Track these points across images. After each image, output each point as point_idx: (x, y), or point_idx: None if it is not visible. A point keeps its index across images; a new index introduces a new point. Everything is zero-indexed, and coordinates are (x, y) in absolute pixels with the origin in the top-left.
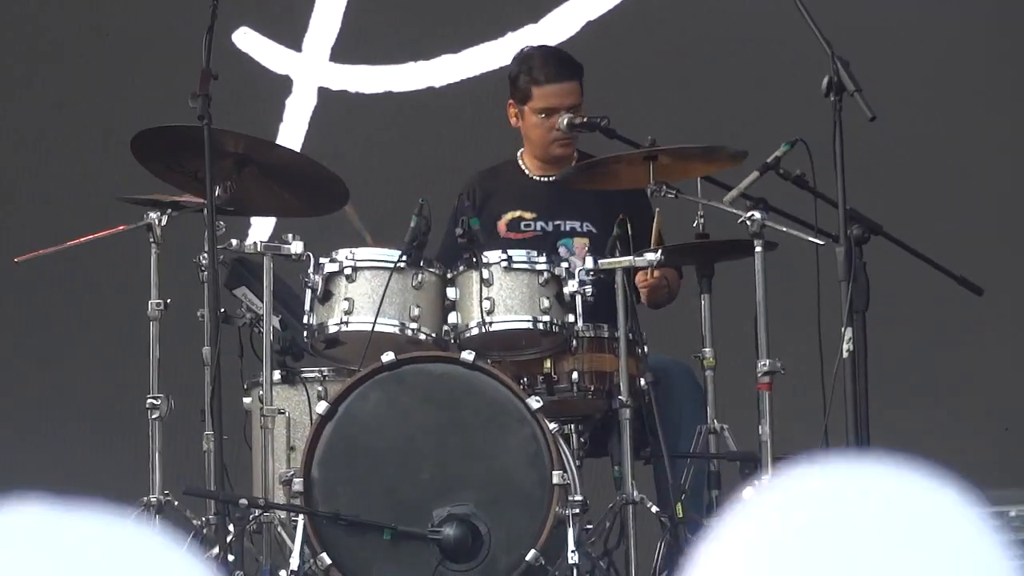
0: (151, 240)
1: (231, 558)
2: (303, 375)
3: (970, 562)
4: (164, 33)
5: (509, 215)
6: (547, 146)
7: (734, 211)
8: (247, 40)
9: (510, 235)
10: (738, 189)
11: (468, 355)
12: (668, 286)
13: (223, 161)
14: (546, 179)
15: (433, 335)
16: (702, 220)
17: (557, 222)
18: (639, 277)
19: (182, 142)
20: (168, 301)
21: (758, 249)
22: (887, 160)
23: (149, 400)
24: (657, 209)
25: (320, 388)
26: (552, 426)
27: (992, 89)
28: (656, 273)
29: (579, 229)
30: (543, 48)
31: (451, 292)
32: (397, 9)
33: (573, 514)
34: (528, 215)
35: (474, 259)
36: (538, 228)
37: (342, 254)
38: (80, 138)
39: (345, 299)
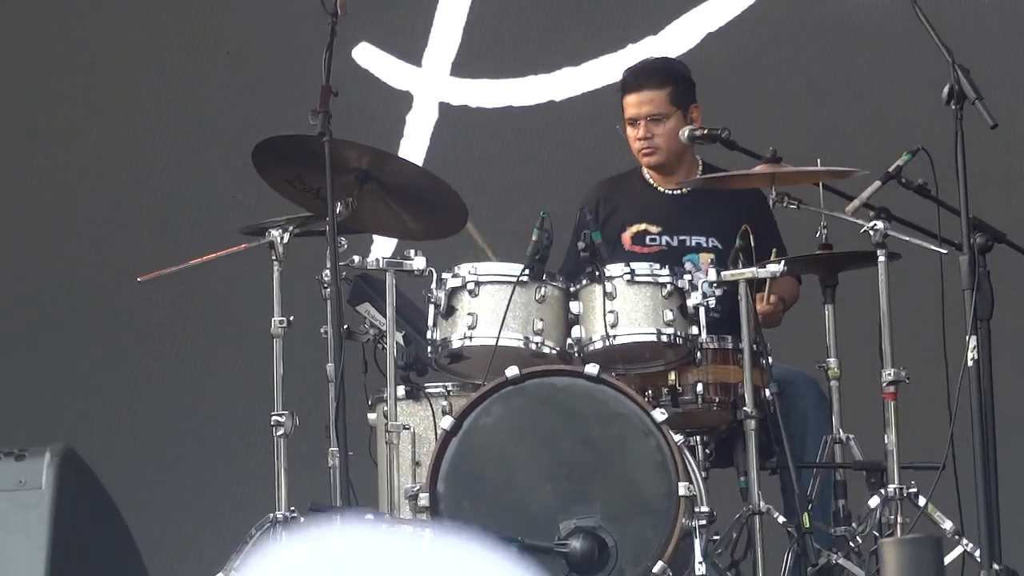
0: (273, 258)
1: None
2: (427, 390)
3: None
4: (285, 50)
5: (634, 228)
6: (637, 155)
7: (857, 221)
8: (367, 56)
9: (635, 248)
10: (860, 199)
11: (592, 368)
12: (785, 309)
13: (345, 176)
14: (671, 191)
15: (557, 348)
16: (825, 230)
17: (682, 237)
18: (757, 304)
19: (305, 155)
20: (291, 318)
21: (881, 259)
22: (1009, 168)
23: (274, 417)
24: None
25: (444, 403)
26: (677, 438)
27: None
28: (773, 299)
29: (704, 244)
30: (642, 59)
31: (574, 306)
32: (517, 23)
33: (700, 525)
34: (653, 228)
35: (597, 272)
36: (663, 243)
37: (464, 269)
38: (202, 157)
39: (468, 314)
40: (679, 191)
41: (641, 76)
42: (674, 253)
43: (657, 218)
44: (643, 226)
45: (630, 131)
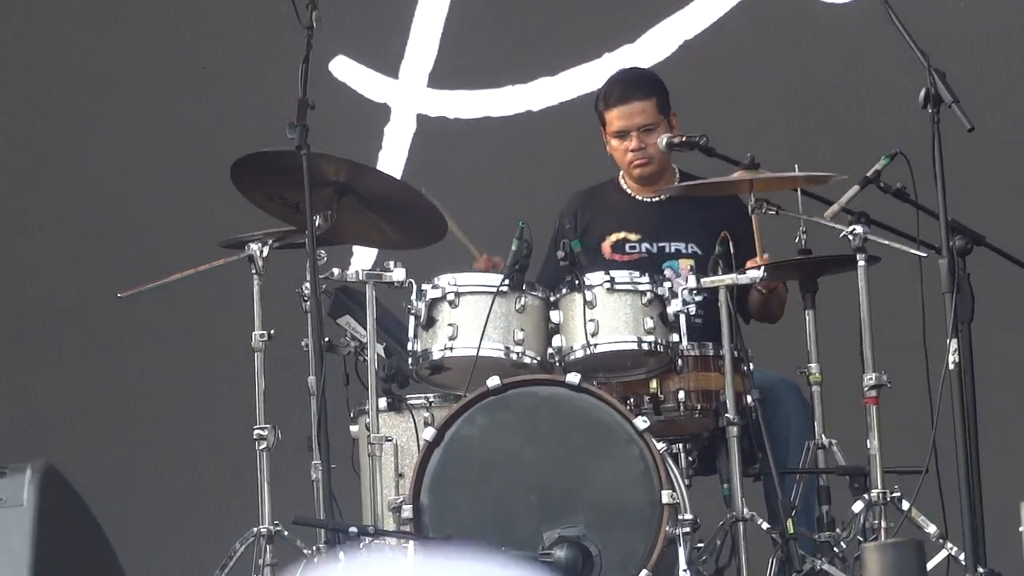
0: (253, 272)
1: None
2: (409, 402)
3: None
4: (262, 64)
5: (614, 236)
6: (627, 168)
7: (836, 226)
8: (344, 69)
9: (615, 257)
10: (839, 204)
11: (574, 377)
12: (781, 305)
13: (323, 190)
14: (649, 199)
15: (538, 358)
16: (804, 235)
17: (662, 243)
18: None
19: (282, 171)
20: (272, 332)
21: (861, 263)
22: (987, 170)
23: (256, 431)
24: (754, 216)
25: (426, 414)
26: (660, 446)
27: None
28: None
29: (684, 251)
30: (618, 72)
31: (555, 315)
32: (493, 34)
33: (683, 533)
34: (633, 236)
35: (577, 281)
36: (643, 250)
37: (444, 280)
38: (179, 172)
39: (449, 325)
40: (657, 199)
41: (628, 88)
42: (654, 260)
43: (636, 226)
44: (622, 234)
45: (617, 144)
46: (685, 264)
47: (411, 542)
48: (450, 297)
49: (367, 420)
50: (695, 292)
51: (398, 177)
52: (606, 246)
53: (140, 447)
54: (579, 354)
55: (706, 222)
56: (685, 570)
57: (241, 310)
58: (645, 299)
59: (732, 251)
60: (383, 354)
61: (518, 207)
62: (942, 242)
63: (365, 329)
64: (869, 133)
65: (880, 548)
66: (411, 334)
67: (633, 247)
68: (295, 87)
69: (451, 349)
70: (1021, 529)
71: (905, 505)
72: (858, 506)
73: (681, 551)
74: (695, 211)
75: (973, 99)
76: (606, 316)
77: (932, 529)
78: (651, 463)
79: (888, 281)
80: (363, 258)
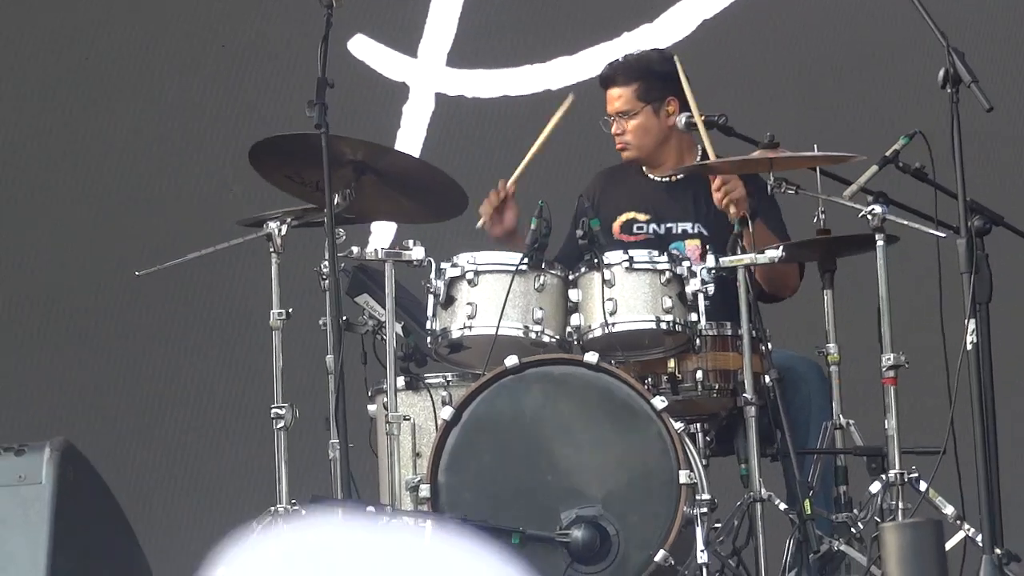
0: (271, 250)
1: None
2: (427, 381)
3: None
4: (281, 42)
5: (623, 217)
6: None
7: (855, 206)
8: (363, 48)
9: (623, 237)
10: (858, 184)
11: (592, 356)
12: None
13: (342, 169)
14: (660, 179)
15: (557, 337)
16: (823, 215)
17: (669, 224)
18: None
19: (300, 151)
20: (290, 310)
21: (880, 243)
22: (1006, 150)
23: (274, 409)
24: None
25: (444, 393)
26: (678, 425)
27: None
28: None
29: (690, 231)
30: (619, 56)
31: (573, 294)
32: (512, 12)
33: (701, 513)
34: (642, 217)
35: (595, 260)
36: (650, 231)
37: (463, 259)
38: (199, 149)
39: (468, 303)
40: (670, 178)
41: (610, 73)
42: (660, 241)
43: (645, 206)
44: (632, 214)
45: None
46: (692, 244)
47: (428, 521)
48: (469, 276)
49: (385, 399)
50: (713, 272)
51: (416, 156)
52: (616, 226)
53: (158, 425)
54: (597, 333)
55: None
56: (703, 550)
57: (259, 289)
58: (664, 278)
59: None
60: (401, 333)
61: (537, 186)
62: (960, 222)
63: (383, 308)
64: (888, 113)
65: (898, 528)
66: (430, 313)
67: (640, 227)
68: (315, 65)
69: (470, 328)
70: None
71: (923, 486)
72: (875, 487)
73: (699, 531)
74: (706, 191)
75: (991, 80)
76: (624, 295)
77: (949, 510)
78: (669, 443)
79: (906, 261)
80: (382, 237)
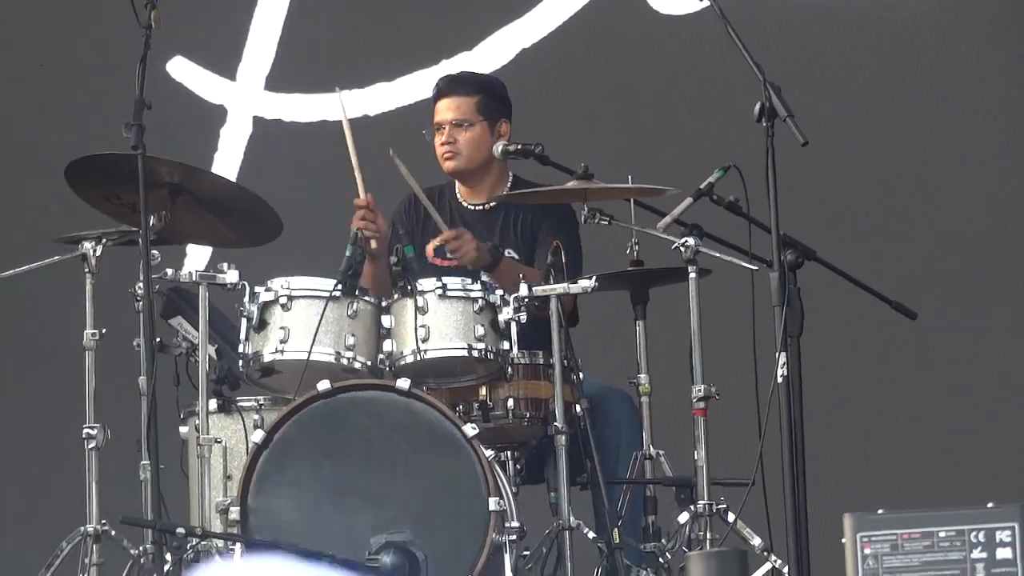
0: (86, 270)
1: None
2: (239, 404)
3: None
4: (98, 63)
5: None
6: (441, 162)
7: (668, 237)
8: (181, 69)
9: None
10: (672, 215)
11: (403, 383)
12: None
13: (158, 191)
14: (475, 206)
15: (368, 363)
16: (636, 246)
17: None
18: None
19: (117, 172)
20: (104, 331)
21: (692, 275)
22: (820, 185)
23: (85, 430)
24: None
25: (256, 417)
26: (488, 453)
27: (924, 115)
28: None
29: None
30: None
31: (386, 320)
32: (331, 37)
33: (510, 540)
34: None
35: (408, 287)
36: None
37: (277, 283)
38: (12, 168)
39: (280, 328)
40: (482, 206)
41: (453, 83)
42: None
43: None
44: None
45: (436, 137)
46: None
47: (238, 544)
48: (282, 300)
49: (197, 421)
50: (526, 301)
51: (233, 179)
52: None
53: None
54: (409, 359)
55: (528, 231)
56: None
57: (73, 308)
58: (476, 306)
59: (564, 260)
60: (214, 356)
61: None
62: (773, 256)
63: (197, 330)
64: (704, 146)
65: (703, 557)
66: (243, 336)
67: None
68: (132, 86)
69: (282, 352)
70: (844, 541)
71: (731, 517)
72: (684, 517)
73: (507, 559)
74: (519, 219)
75: (806, 115)
76: (437, 322)
77: (757, 541)
78: (479, 470)
79: (719, 294)
80: (197, 259)
